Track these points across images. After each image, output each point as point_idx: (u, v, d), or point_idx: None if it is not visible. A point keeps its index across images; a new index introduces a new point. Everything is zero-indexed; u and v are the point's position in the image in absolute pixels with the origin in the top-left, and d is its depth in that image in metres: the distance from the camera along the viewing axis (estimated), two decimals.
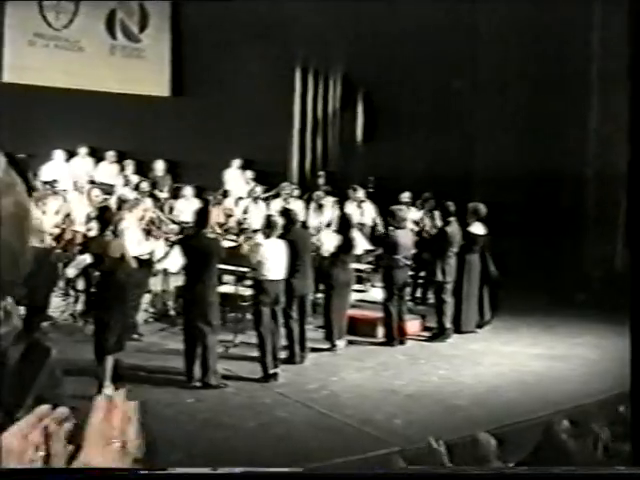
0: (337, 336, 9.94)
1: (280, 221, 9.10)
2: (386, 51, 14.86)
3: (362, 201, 13.87)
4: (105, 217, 8.29)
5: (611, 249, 12.79)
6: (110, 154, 14.98)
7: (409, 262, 10.53)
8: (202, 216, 8.77)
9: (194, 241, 8.66)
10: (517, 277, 11.44)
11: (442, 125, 14.95)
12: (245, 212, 13.24)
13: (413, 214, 12.79)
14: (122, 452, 1.35)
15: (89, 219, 10.63)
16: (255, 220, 11.87)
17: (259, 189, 13.90)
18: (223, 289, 10.21)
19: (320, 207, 13.64)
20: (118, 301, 7.93)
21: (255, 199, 13.55)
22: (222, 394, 8.22)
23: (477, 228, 10.89)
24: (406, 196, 13.41)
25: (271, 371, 8.70)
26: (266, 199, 13.93)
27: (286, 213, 9.72)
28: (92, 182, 14.18)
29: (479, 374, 9.23)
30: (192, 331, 8.42)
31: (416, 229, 11.68)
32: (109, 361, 7.90)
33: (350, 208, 13.57)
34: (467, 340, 10.66)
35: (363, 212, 13.68)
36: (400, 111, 15.21)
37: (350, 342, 10.14)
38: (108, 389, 7.82)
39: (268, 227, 8.94)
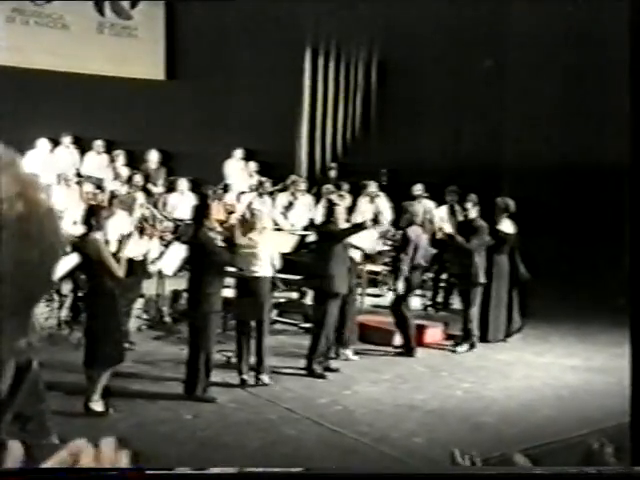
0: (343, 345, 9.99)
1: (263, 214, 9.28)
2: (405, 30, 14.81)
3: (376, 195, 13.84)
4: (94, 214, 8.26)
5: None
6: (98, 143, 14.97)
7: (423, 262, 10.48)
8: (200, 212, 8.77)
9: (192, 240, 8.67)
10: (551, 280, 11.40)
11: (467, 112, 14.91)
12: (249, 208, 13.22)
13: (438, 210, 12.79)
14: None
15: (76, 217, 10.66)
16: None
17: (268, 184, 13.86)
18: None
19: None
20: (109, 307, 7.90)
21: (261, 194, 13.52)
22: (223, 410, 8.20)
23: (506, 226, 10.84)
24: (419, 189, 13.41)
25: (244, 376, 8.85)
26: (271, 193, 13.92)
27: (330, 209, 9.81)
28: (79, 175, 14.21)
29: (508, 388, 9.19)
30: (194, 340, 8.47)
31: (438, 226, 11.62)
32: (102, 374, 7.87)
33: (362, 203, 13.56)
34: (495, 350, 10.62)
35: (377, 207, 13.65)
36: (420, 96, 15.17)
37: (361, 352, 10.13)
38: (97, 404, 7.81)
39: (247, 221, 9.05)
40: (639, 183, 4.17)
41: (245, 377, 8.88)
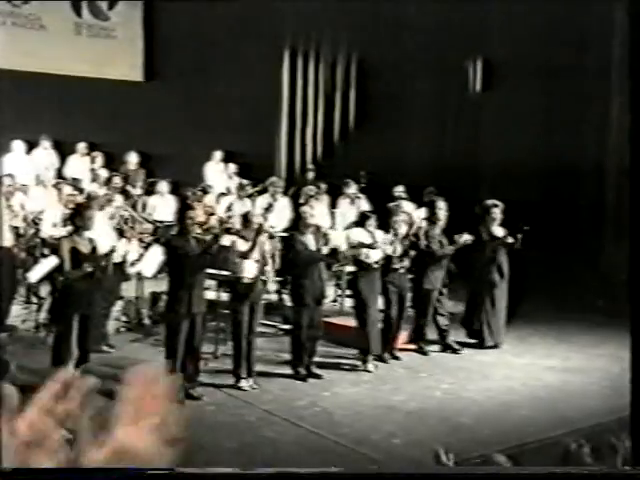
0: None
1: (260, 219, 9.26)
2: (384, 31, 14.84)
3: (356, 197, 13.84)
4: (79, 214, 8.22)
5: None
6: (82, 146, 14.93)
7: None
8: (182, 215, 8.82)
9: (177, 242, 8.64)
10: (529, 282, 11.45)
11: (448, 113, 14.95)
12: (229, 210, 13.19)
13: (417, 212, 12.80)
14: (158, 429, 1.35)
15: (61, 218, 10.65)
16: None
17: (249, 187, 13.85)
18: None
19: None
20: (79, 308, 7.88)
21: (241, 197, 13.51)
22: (201, 411, 8.18)
23: (498, 229, 10.87)
24: (400, 190, 13.45)
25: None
26: (250, 195, 13.89)
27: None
28: (59, 177, 14.18)
29: (487, 389, 9.22)
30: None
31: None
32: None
33: (343, 205, 13.57)
34: (474, 351, 10.65)
35: (358, 209, 13.66)
36: (400, 97, 15.19)
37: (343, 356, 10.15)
38: None
39: (246, 226, 9.04)
40: (639, 183, 4.21)
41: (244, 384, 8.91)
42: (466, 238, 10.45)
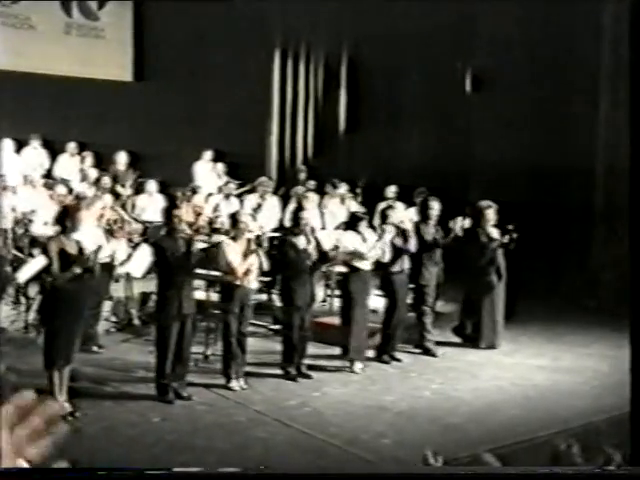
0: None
1: (248, 220, 9.22)
2: (375, 31, 14.83)
3: (347, 197, 13.83)
4: (67, 215, 8.20)
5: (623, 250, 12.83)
6: (72, 146, 14.91)
7: None
8: (168, 214, 8.79)
9: (166, 242, 8.61)
10: (519, 281, 11.47)
11: (437, 114, 14.96)
12: (216, 210, 13.19)
13: (407, 212, 12.81)
14: None
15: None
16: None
17: (232, 185, 13.87)
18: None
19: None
20: (66, 308, 7.87)
21: (227, 196, 13.51)
22: (192, 412, 8.19)
23: (493, 229, 10.89)
24: (393, 191, 13.48)
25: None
26: (240, 195, 13.89)
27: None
28: (47, 176, 14.16)
29: (477, 389, 9.23)
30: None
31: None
32: (61, 375, 7.86)
33: (333, 205, 13.56)
34: (463, 351, 10.67)
35: (349, 209, 13.67)
36: (390, 97, 15.21)
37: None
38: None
39: (235, 226, 9.02)
40: (639, 183, 4.22)
41: (234, 384, 8.89)
42: (462, 223, 10.44)
